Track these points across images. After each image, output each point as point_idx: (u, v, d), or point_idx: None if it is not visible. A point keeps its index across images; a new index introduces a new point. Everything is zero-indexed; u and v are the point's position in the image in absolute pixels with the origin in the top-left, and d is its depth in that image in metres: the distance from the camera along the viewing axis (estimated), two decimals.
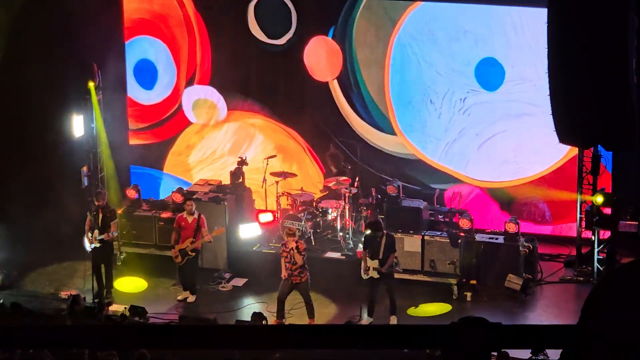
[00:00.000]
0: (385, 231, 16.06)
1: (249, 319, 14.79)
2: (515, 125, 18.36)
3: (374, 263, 15.86)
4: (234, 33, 19.53)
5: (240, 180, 18.70)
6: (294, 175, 18.97)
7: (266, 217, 18.82)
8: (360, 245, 17.40)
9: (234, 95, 19.77)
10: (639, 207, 17.15)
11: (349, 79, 19.12)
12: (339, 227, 18.08)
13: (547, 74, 15.89)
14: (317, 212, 18.13)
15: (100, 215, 16.81)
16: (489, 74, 18.32)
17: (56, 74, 18.41)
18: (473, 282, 16.97)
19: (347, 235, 18.02)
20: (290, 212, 18.14)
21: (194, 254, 16.95)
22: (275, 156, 19.21)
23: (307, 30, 19.19)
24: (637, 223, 17.05)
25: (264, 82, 19.60)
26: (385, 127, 19.06)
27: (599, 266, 17.05)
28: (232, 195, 18.36)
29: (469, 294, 16.88)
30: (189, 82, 19.91)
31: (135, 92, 20.17)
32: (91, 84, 18.74)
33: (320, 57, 19.21)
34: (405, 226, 17.48)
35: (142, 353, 11.90)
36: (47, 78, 18.16)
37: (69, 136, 18.77)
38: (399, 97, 18.93)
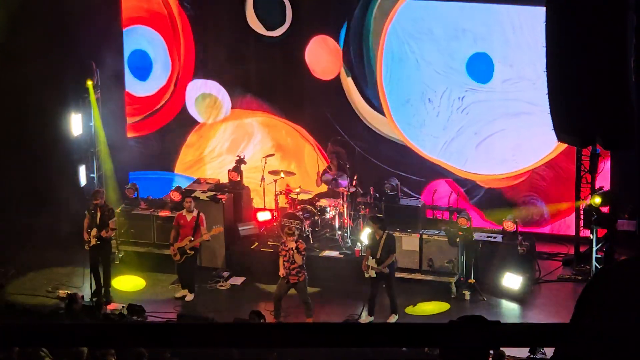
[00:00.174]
0: (386, 231, 16.11)
1: (247, 318, 14.79)
2: (514, 124, 18.37)
3: (372, 262, 15.89)
4: (231, 26, 19.49)
5: (239, 178, 18.72)
6: (293, 173, 18.97)
7: (264, 216, 18.83)
8: (359, 244, 17.44)
9: (233, 91, 19.76)
10: (637, 205, 17.15)
11: (363, 74, 19.08)
12: (337, 226, 18.08)
13: (545, 72, 15.90)
14: (316, 211, 18.13)
15: (99, 214, 16.81)
16: (480, 67, 18.34)
17: (54, 72, 18.39)
18: (471, 280, 16.97)
19: (346, 234, 18.02)
20: (289, 211, 18.14)
21: (193, 252, 16.95)
22: (273, 155, 19.21)
23: (304, 22, 19.14)
24: (635, 222, 17.06)
25: (264, 77, 19.57)
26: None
27: (597, 265, 17.05)
28: (230, 193, 18.37)
29: (467, 293, 16.89)
30: (186, 76, 19.88)
31: (130, 84, 20.11)
32: (89, 83, 18.74)
33: (321, 57, 19.19)
34: (403, 225, 17.50)
35: (139, 351, 11.89)
36: (45, 76, 18.13)
37: (67, 135, 18.76)
38: (397, 96, 18.94)
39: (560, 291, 17.29)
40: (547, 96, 16.22)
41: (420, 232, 17.39)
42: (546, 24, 15.77)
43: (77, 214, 17.66)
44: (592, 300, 3.65)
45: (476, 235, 17.23)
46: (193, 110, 20.03)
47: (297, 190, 18.38)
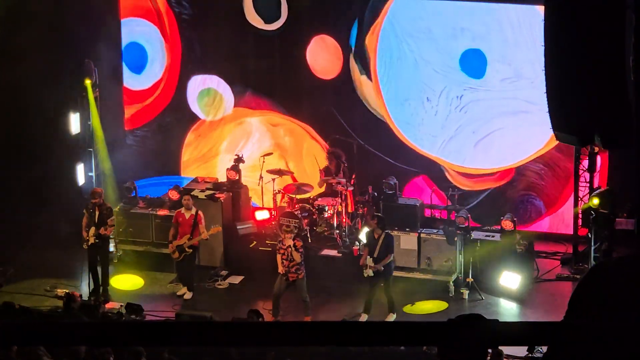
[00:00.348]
0: (385, 231, 16.12)
1: (245, 317, 14.79)
2: (512, 123, 18.38)
3: (370, 261, 15.91)
4: (229, 22, 19.49)
5: (237, 177, 18.72)
6: (291, 172, 18.98)
7: (263, 215, 18.83)
8: (357, 243, 17.44)
9: (232, 87, 19.76)
10: (635, 204, 17.15)
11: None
12: (335, 225, 18.08)
13: (543, 71, 15.90)
14: (314, 210, 18.14)
15: (97, 213, 16.81)
16: (472, 63, 18.34)
17: (52, 71, 18.39)
18: (469, 279, 16.98)
19: (344, 233, 18.02)
20: (287, 210, 18.14)
21: (192, 250, 16.95)
22: (271, 154, 19.21)
23: (301, 15, 19.14)
24: (634, 220, 17.05)
25: (262, 74, 19.57)
26: None
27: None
28: (228, 192, 18.37)
29: (465, 292, 16.90)
30: (183, 70, 19.88)
31: (125, 77, 20.07)
32: (88, 82, 18.73)
33: (321, 57, 19.19)
34: (401, 224, 17.50)
35: (138, 350, 11.88)
36: (43, 75, 18.14)
37: (66, 134, 18.75)
38: (396, 95, 18.94)
39: (558, 290, 17.29)
40: (545, 95, 16.26)
41: (419, 231, 17.39)
42: (545, 23, 15.78)
43: (76, 213, 17.65)
44: (585, 298, 3.66)
45: (474, 234, 17.24)
46: (195, 107, 20.02)
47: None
